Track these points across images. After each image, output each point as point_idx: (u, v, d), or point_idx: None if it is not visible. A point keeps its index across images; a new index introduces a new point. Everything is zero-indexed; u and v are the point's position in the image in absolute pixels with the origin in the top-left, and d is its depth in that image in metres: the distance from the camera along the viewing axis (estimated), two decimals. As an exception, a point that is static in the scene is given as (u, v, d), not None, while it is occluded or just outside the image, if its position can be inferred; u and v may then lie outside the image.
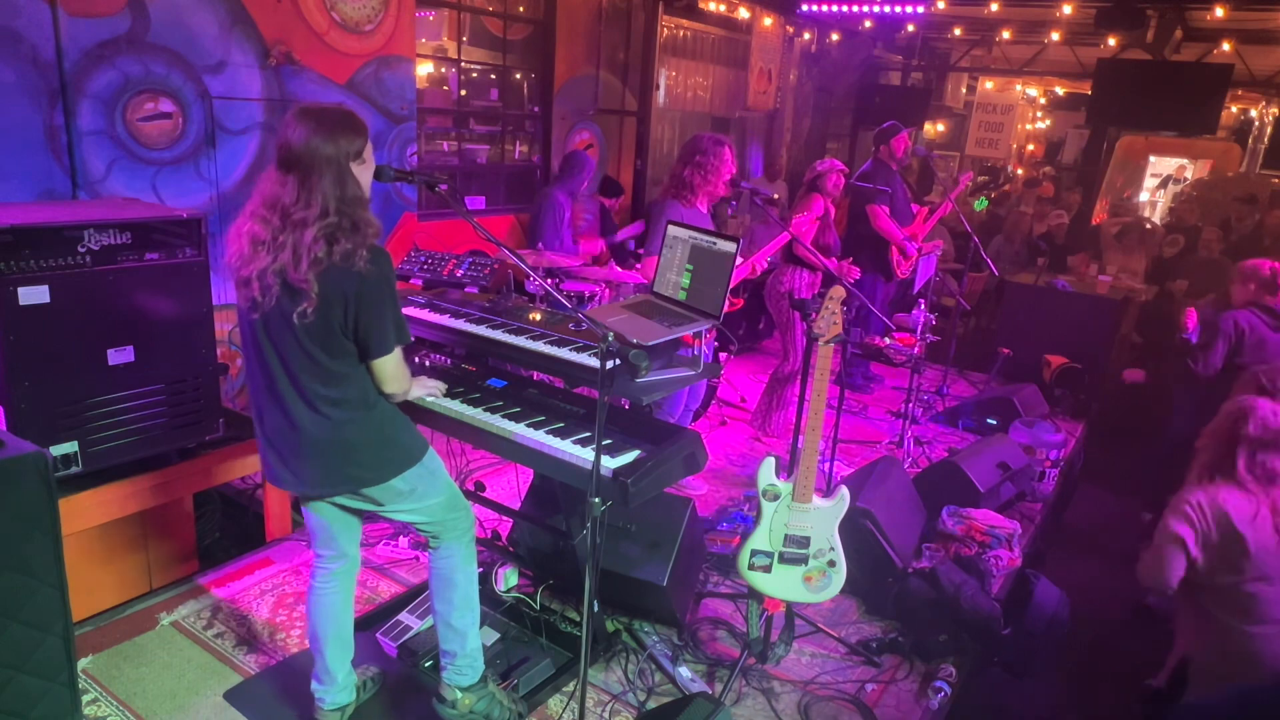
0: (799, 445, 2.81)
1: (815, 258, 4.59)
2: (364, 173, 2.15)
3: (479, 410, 2.62)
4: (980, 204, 8.71)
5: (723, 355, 5.50)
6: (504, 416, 2.58)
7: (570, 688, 2.83)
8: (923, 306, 4.95)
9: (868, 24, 10.01)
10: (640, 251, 4.85)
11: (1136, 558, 2.79)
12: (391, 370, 2.21)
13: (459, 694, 2.52)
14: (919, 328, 4.89)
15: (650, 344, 2.51)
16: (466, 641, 2.51)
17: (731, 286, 4.48)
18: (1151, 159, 12.66)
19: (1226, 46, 8.94)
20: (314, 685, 2.54)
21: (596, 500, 2.14)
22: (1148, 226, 8.89)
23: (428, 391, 2.60)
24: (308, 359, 2.13)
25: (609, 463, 2.33)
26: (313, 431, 2.20)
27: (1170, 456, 4.99)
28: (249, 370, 2.28)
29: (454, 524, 2.44)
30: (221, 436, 3.24)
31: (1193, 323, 4.74)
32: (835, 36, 10.44)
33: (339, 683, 2.53)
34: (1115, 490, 5.35)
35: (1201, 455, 2.76)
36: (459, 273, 3.17)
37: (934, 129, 13.55)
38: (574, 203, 6.01)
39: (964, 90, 14.10)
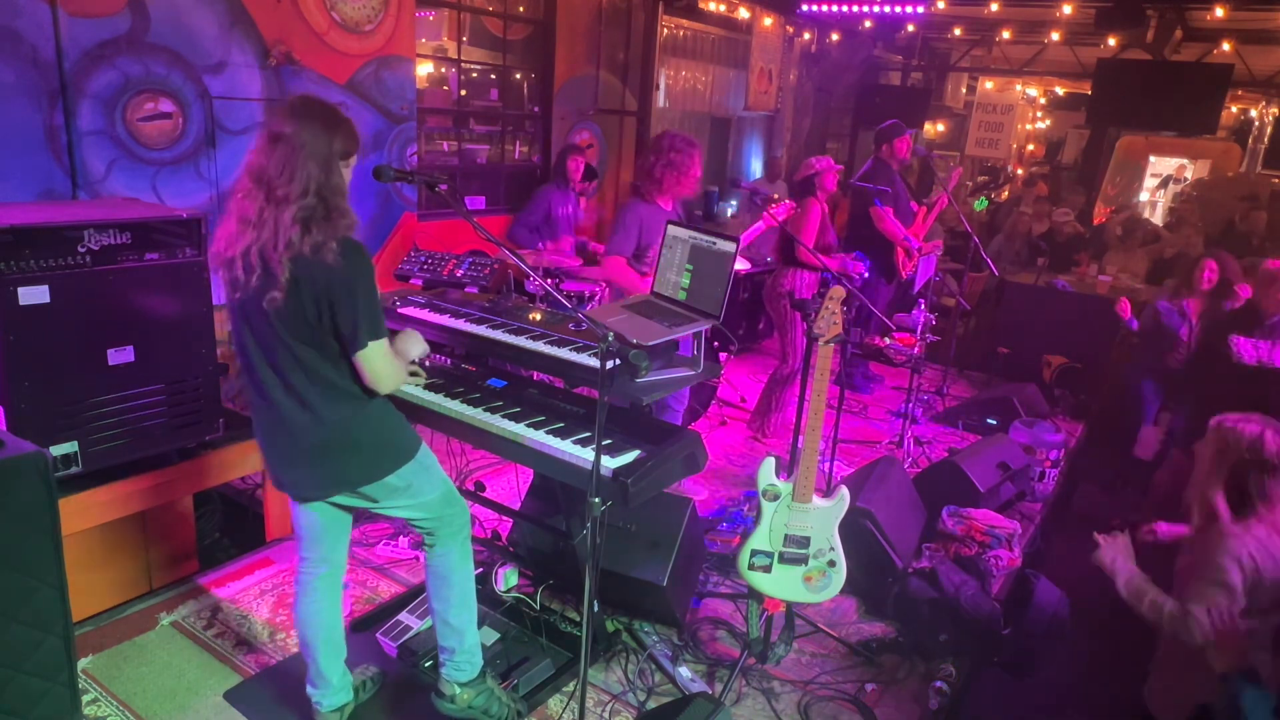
0: (799, 445, 2.81)
1: (818, 260, 4.59)
2: (346, 175, 2.15)
3: (479, 410, 2.62)
4: (980, 204, 8.72)
5: (723, 355, 5.50)
6: (504, 416, 2.58)
7: (570, 688, 2.83)
8: (923, 306, 4.95)
9: (868, 24, 10.00)
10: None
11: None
12: (375, 367, 2.15)
13: (457, 689, 2.52)
14: (919, 328, 4.89)
15: (650, 344, 2.51)
16: (464, 638, 2.51)
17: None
18: (1151, 159, 12.65)
19: (1226, 46, 8.94)
20: (309, 689, 2.54)
21: (596, 500, 2.14)
22: (1149, 227, 8.89)
23: (409, 371, 2.41)
24: (291, 354, 2.12)
25: (609, 463, 2.33)
26: (307, 431, 2.19)
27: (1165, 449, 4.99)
28: (242, 372, 2.27)
29: (450, 520, 2.44)
30: (221, 436, 3.24)
31: (1127, 312, 4.72)
32: (835, 36, 10.44)
33: (333, 686, 2.53)
34: (1114, 489, 5.34)
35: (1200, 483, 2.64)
36: (459, 273, 3.16)
37: (934, 129, 13.54)
38: (574, 198, 6.02)
39: (964, 90, 14.10)
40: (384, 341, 2.16)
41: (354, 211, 2.13)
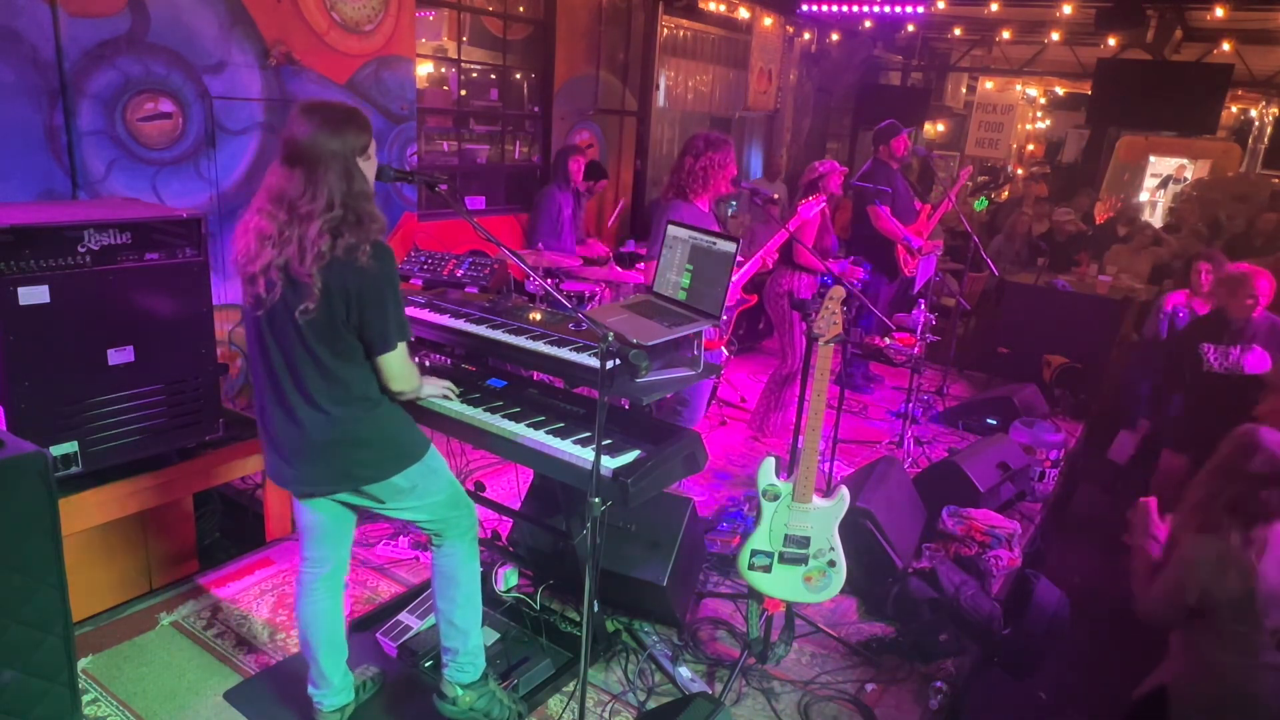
0: (799, 445, 2.81)
1: (816, 263, 4.59)
2: (369, 169, 2.16)
3: (479, 410, 2.62)
4: (980, 204, 8.71)
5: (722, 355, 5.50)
6: (504, 416, 2.58)
7: (570, 688, 2.83)
8: (923, 306, 4.95)
9: (868, 24, 10.01)
10: (642, 252, 4.75)
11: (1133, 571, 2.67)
12: (397, 368, 2.22)
13: (460, 691, 2.52)
14: (919, 328, 4.89)
15: (650, 344, 2.51)
16: (469, 639, 2.51)
17: (743, 282, 4.51)
18: (1151, 159, 12.66)
19: (1226, 46, 8.94)
20: (310, 689, 2.54)
21: (596, 500, 2.14)
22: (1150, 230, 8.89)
23: (439, 391, 2.60)
24: (310, 356, 2.13)
25: (609, 463, 2.33)
26: (315, 429, 2.20)
27: (1144, 453, 4.98)
28: (254, 369, 2.28)
29: (456, 522, 2.45)
30: (221, 436, 3.24)
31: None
32: (835, 36, 10.45)
33: (335, 686, 2.53)
34: (1114, 490, 5.34)
35: (1204, 490, 2.56)
36: (459, 273, 3.17)
37: (934, 129, 13.55)
38: (577, 199, 6.01)
39: (964, 90, 14.11)
40: (405, 344, 2.22)
41: (382, 214, 2.15)
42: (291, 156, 2.06)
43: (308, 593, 2.49)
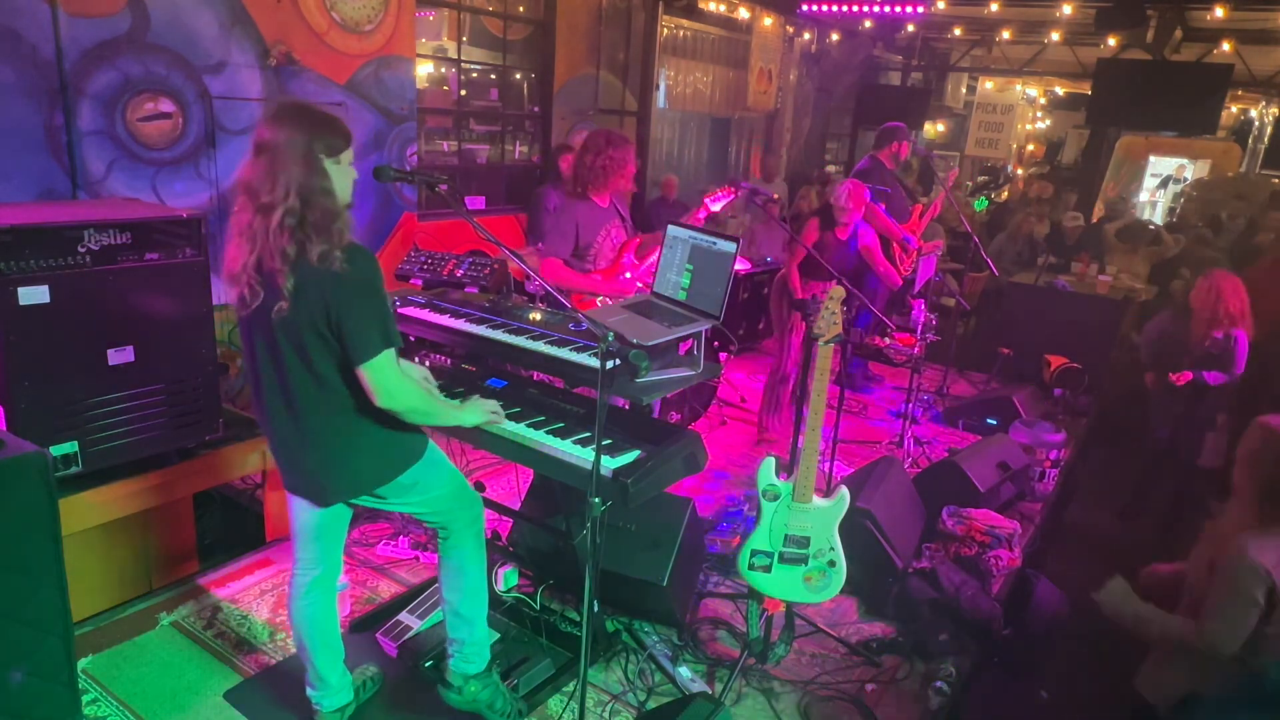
0: (799, 445, 2.81)
1: (800, 289, 4.66)
2: (341, 175, 2.08)
3: (479, 410, 2.61)
4: (980, 204, 8.71)
5: (723, 355, 5.49)
6: (504, 416, 2.58)
7: (570, 688, 2.83)
8: (923, 306, 4.95)
9: (868, 24, 10.02)
10: (540, 247, 4.47)
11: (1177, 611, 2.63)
12: (379, 381, 2.06)
13: (465, 681, 2.53)
14: (919, 328, 4.89)
15: (650, 344, 2.51)
16: (474, 629, 2.52)
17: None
18: (1151, 159, 12.67)
19: (1226, 46, 8.95)
20: (309, 691, 2.54)
21: (596, 500, 2.14)
22: (1150, 228, 8.87)
23: (485, 415, 2.42)
24: (302, 362, 2.11)
25: (609, 463, 2.33)
26: (313, 441, 2.19)
27: (1151, 466, 4.97)
28: (250, 384, 2.27)
29: (461, 514, 2.45)
30: (221, 436, 3.24)
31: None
32: (835, 36, 10.45)
33: (332, 687, 2.53)
34: (1114, 491, 5.34)
35: (1248, 490, 2.53)
36: (459, 273, 3.16)
37: (934, 129, 13.55)
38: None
39: (964, 90, 14.12)
40: (393, 351, 2.09)
41: (347, 212, 2.06)
42: (258, 146, 2.02)
43: (300, 595, 2.49)
